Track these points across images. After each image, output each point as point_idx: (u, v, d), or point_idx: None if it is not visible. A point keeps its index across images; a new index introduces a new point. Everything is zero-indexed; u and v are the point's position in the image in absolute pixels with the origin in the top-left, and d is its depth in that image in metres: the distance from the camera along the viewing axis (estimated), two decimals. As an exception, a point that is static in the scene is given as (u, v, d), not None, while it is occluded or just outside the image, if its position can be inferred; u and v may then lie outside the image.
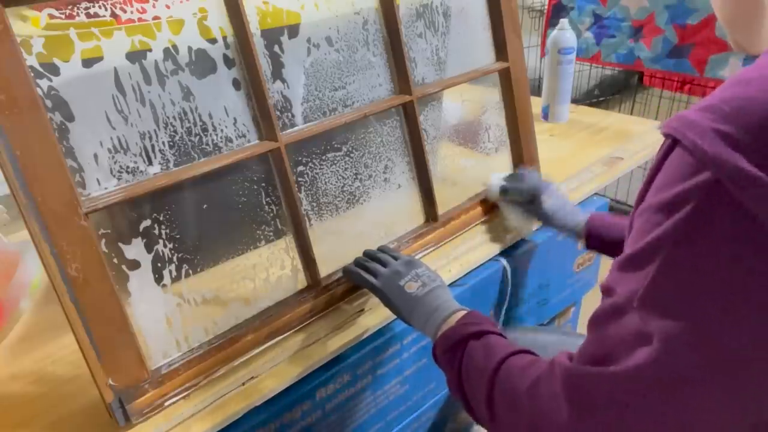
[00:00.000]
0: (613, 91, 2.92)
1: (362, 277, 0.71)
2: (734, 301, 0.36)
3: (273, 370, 0.68)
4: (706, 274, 0.36)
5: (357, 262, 0.75)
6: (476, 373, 0.54)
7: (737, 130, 0.35)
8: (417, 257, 0.82)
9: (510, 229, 0.94)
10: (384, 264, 0.72)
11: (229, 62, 0.66)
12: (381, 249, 0.77)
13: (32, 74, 0.52)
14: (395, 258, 0.72)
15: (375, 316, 0.76)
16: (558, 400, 0.43)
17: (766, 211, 0.33)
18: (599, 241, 0.83)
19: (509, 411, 0.49)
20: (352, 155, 0.81)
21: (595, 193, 1.09)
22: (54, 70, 0.54)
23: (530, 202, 0.88)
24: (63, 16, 0.56)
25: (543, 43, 2.10)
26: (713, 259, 0.36)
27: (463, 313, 0.61)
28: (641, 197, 0.41)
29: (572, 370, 0.43)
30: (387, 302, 0.68)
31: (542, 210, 0.87)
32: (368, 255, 0.75)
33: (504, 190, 0.90)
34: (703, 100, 0.39)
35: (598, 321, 0.44)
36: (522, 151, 0.98)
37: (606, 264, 0.80)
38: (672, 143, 0.39)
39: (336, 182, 0.80)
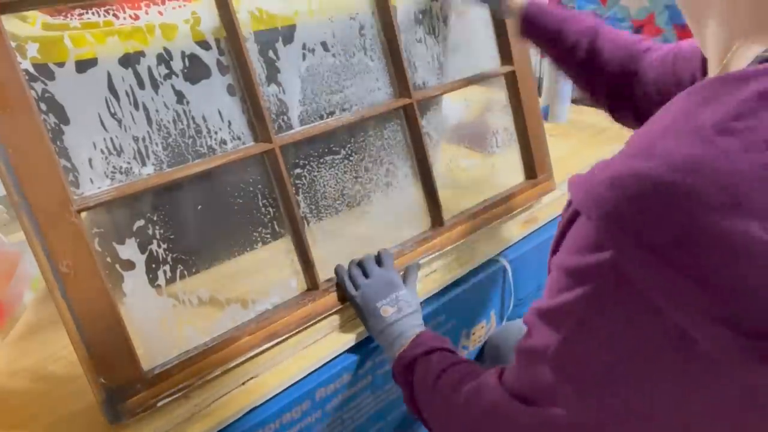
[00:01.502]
0: (614, 91, 2.90)
1: (345, 284, 0.73)
2: (637, 374, 0.38)
3: (273, 370, 0.68)
4: (609, 348, 0.38)
5: (348, 267, 0.76)
6: (421, 391, 0.59)
7: (636, 214, 0.34)
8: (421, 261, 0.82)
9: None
10: (368, 274, 0.73)
11: (222, 66, 0.66)
12: (377, 256, 0.77)
13: (26, 77, 0.53)
14: (380, 263, 0.75)
15: (374, 316, 0.76)
16: (484, 420, 0.49)
17: (659, 292, 0.34)
18: (534, 29, 0.78)
19: (448, 427, 0.55)
20: (351, 158, 0.81)
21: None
22: (48, 73, 0.55)
23: None
24: (58, 20, 0.57)
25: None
26: (613, 336, 0.38)
27: (417, 333, 0.65)
28: (556, 244, 0.43)
29: (498, 401, 0.47)
30: (360, 316, 0.72)
31: None
32: (359, 263, 0.76)
33: None
34: (606, 163, 0.37)
35: (522, 353, 0.46)
36: (532, 155, 0.97)
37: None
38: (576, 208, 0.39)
39: (335, 185, 0.80)
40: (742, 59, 0.38)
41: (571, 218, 0.40)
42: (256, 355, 0.69)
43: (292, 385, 0.68)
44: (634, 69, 0.72)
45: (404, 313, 0.68)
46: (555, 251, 0.43)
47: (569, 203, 0.41)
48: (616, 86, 0.74)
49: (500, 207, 0.93)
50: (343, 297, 0.75)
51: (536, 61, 2.35)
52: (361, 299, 0.70)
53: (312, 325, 0.73)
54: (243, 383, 0.66)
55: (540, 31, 0.77)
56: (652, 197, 0.33)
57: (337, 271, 0.75)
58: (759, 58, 0.36)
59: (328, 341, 0.73)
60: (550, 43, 0.77)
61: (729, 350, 0.33)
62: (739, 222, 0.31)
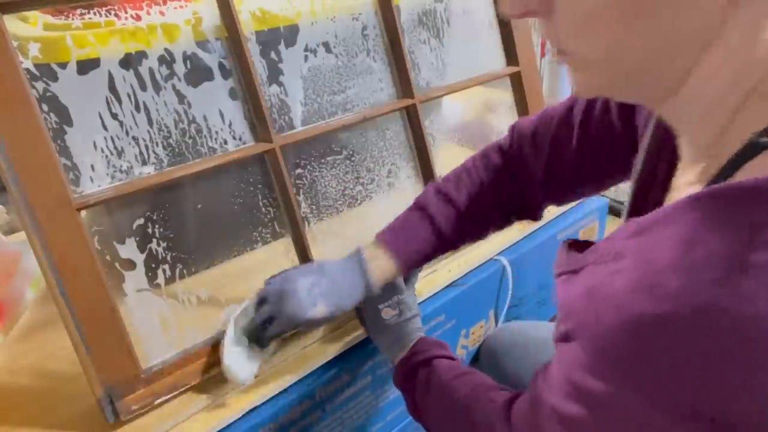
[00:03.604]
0: (614, 91, 2.90)
1: None
2: None
3: (273, 370, 0.68)
4: None
5: None
6: (423, 399, 0.59)
7: (640, 361, 0.30)
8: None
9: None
10: None
11: (223, 66, 0.66)
12: None
13: (28, 76, 0.53)
14: None
15: (374, 316, 0.76)
16: None
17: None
18: (417, 261, 0.67)
19: None
20: (353, 159, 0.81)
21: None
22: (51, 73, 0.55)
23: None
24: (59, 21, 0.57)
25: (543, 43, 2.09)
26: None
27: (416, 340, 0.64)
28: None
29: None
30: (360, 317, 0.71)
31: (319, 321, 0.62)
32: None
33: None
34: (618, 290, 0.32)
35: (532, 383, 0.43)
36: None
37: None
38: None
39: (336, 185, 0.80)
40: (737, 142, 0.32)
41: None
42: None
43: (292, 385, 0.68)
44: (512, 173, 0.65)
45: (405, 316, 0.68)
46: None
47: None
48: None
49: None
50: None
51: (536, 61, 2.35)
52: (366, 302, 0.69)
53: (312, 325, 0.73)
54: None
55: (422, 256, 0.66)
56: (668, 344, 0.29)
57: None
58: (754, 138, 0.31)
59: (328, 341, 0.73)
60: (447, 245, 0.67)
61: None
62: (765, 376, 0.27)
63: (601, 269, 0.34)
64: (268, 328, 0.63)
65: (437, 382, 0.57)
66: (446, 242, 0.66)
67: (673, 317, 0.28)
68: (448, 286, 0.84)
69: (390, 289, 0.70)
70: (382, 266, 0.65)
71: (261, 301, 0.64)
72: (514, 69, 0.93)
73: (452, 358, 0.61)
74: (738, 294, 0.27)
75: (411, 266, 0.67)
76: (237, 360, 0.63)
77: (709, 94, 0.33)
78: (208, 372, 0.66)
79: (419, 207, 0.66)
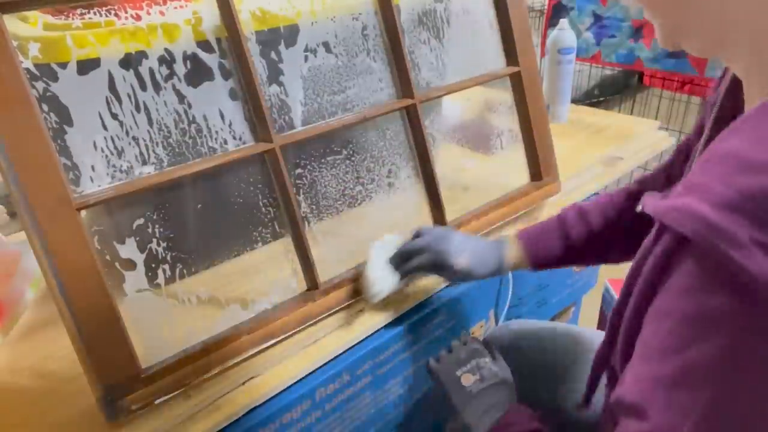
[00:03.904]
0: (613, 91, 2.91)
1: (429, 364, 0.69)
2: None
3: (273, 370, 0.68)
4: (761, 414, 0.32)
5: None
6: None
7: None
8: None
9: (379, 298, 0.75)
10: (450, 349, 0.70)
11: (223, 66, 0.66)
12: (462, 338, 0.73)
13: (28, 76, 0.53)
14: (464, 343, 0.71)
15: (374, 316, 0.76)
16: None
17: None
18: (545, 260, 0.74)
19: None
20: (353, 159, 0.81)
21: (595, 193, 1.09)
22: (51, 73, 0.55)
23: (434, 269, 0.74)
24: (59, 20, 0.57)
25: (543, 43, 2.10)
26: (765, 395, 0.31)
27: (508, 409, 0.60)
28: (647, 294, 0.37)
29: None
30: (441, 390, 0.66)
31: (458, 270, 0.71)
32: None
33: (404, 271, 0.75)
34: (703, 185, 0.33)
35: None
36: (538, 157, 0.97)
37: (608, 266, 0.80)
38: (680, 239, 0.34)
39: (336, 185, 0.80)
40: None
41: (669, 253, 0.35)
42: (256, 355, 0.69)
43: (292, 385, 0.68)
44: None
45: (488, 383, 0.63)
46: (644, 299, 0.37)
47: (659, 234, 0.36)
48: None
49: (504, 208, 0.93)
50: None
51: (536, 61, 2.35)
52: (441, 369, 0.66)
53: (312, 325, 0.73)
54: (243, 383, 0.66)
55: (552, 259, 0.74)
56: None
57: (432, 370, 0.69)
58: None
59: (328, 341, 0.73)
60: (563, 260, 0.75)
61: None
62: None
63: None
64: (413, 259, 0.73)
65: None
66: (573, 252, 0.73)
67: None
68: (448, 286, 0.84)
69: (469, 353, 0.68)
70: (514, 254, 0.74)
71: (417, 234, 0.76)
72: (514, 69, 0.93)
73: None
74: None
75: (539, 263, 0.74)
76: (377, 279, 0.73)
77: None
78: (209, 371, 0.66)
79: (559, 216, 0.75)
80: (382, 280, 0.73)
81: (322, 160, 0.78)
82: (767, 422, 0.32)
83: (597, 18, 1.92)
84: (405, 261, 0.74)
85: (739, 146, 0.33)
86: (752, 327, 0.31)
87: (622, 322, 0.42)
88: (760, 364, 0.31)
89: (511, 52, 0.93)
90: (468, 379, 0.64)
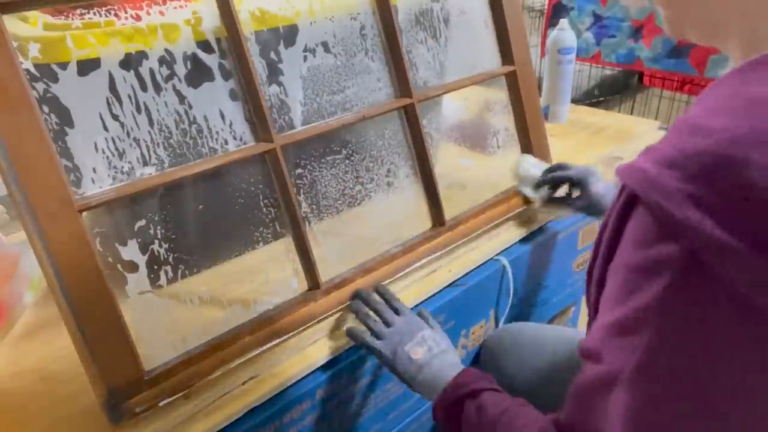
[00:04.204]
0: (613, 91, 2.91)
1: (366, 341, 0.69)
2: (732, 377, 0.33)
3: (273, 370, 0.68)
4: (698, 352, 0.34)
5: (361, 319, 0.72)
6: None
7: (706, 193, 0.32)
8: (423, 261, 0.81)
9: (543, 214, 0.97)
10: (387, 323, 0.70)
11: (223, 66, 0.66)
12: (381, 294, 0.74)
13: (28, 77, 0.53)
14: (397, 312, 0.71)
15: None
16: None
17: (747, 281, 0.31)
18: None
19: None
20: (352, 158, 0.81)
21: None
22: (51, 74, 0.55)
23: (571, 189, 0.88)
24: (59, 21, 0.57)
25: (543, 43, 2.10)
26: (700, 335, 0.33)
27: (458, 372, 0.61)
28: (609, 249, 0.40)
29: None
30: (392, 368, 0.67)
31: (590, 195, 0.83)
32: (366, 302, 0.73)
33: (546, 180, 0.90)
34: (655, 147, 0.36)
35: (584, 391, 0.41)
36: (534, 155, 0.97)
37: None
38: (632, 196, 0.37)
39: (336, 185, 0.80)
40: None
41: (623, 212, 0.38)
42: (257, 355, 0.69)
43: (292, 385, 0.68)
44: None
45: (435, 351, 0.65)
46: (607, 255, 0.40)
47: (620, 193, 0.39)
48: None
49: (501, 207, 0.94)
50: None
51: (536, 61, 2.36)
52: (390, 350, 0.67)
53: (313, 325, 0.73)
54: (243, 383, 0.66)
55: None
56: (720, 173, 0.31)
57: (353, 333, 0.71)
58: None
59: (329, 341, 0.73)
60: None
61: None
62: None
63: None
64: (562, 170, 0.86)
65: (488, 416, 0.54)
66: None
67: (726, 147, 0.32)
68: (448, 286, 0.84)
69: (410, 328, 0.68)
70: None
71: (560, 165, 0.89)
72: (509, 68, 0.93)
73: (499, 391, 0.59)
74: None
75: None
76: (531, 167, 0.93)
77: None
78: (212, 373, 0.66)
79: None
80: (534, 170, 0.92)
81: (322, 160, 0.78)
82: (709, 359, 0.34)
83: (597, 18, 1.92)
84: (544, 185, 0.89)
85: (695, 114, 0.36)
86: (688, 270, 0.33)
87: (592, 281, 0.44)
88: (696, 306, 0.33)
89: (506, 52, 0.93)
90: (417, 353, 0.65)
